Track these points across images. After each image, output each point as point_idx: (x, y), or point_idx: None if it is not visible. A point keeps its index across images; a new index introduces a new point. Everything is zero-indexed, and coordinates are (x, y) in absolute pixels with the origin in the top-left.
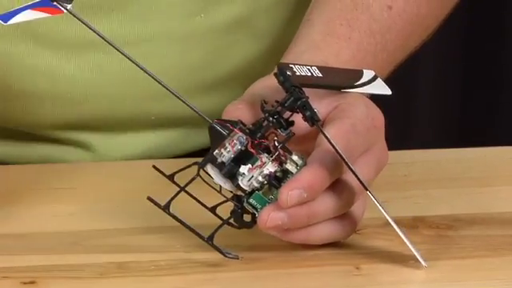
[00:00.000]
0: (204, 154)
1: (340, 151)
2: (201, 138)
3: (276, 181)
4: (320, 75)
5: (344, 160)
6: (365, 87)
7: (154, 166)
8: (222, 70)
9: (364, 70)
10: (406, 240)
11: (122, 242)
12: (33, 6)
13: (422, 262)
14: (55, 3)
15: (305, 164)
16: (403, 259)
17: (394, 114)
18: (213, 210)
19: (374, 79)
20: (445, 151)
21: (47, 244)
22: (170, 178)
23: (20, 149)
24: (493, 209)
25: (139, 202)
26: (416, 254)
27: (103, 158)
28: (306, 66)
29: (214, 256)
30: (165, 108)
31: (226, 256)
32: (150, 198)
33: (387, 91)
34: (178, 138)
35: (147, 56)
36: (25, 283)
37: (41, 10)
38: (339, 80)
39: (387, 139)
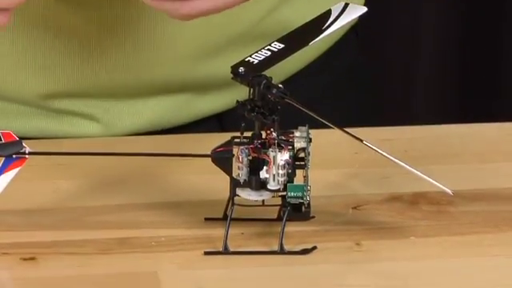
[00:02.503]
0: (210, 121)
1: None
2: (206, 103)
3: (300, 161)
4: (281, 46)
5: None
6: (337, 22)
7: (206, 218)
8: (225, 35)
9: (332, 7)
10: (427, 178)
11: (122, 218)
12: (2, 171)
13: (448, 191)
14: (14, 156)
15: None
16: (404, 235)
17: (395, 92)
18: (278, 219)
19: (344, 8)
20: (445, 127)
21: (48, 220)
22: (224, 218)
23: (21, 123)
24: (493, 185)
25: (140, 178)
26: (440, 186)
27: (108, 127)
28: (265, 47)
29: (215, 232)
30: (169, 74)
31: (306, 253)
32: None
33: (363, 9)
34: (183, 103)
35: (159, 20)
36: (25, 259)
37: (11, 168)
38: (304, 37)
39: (387, 115)
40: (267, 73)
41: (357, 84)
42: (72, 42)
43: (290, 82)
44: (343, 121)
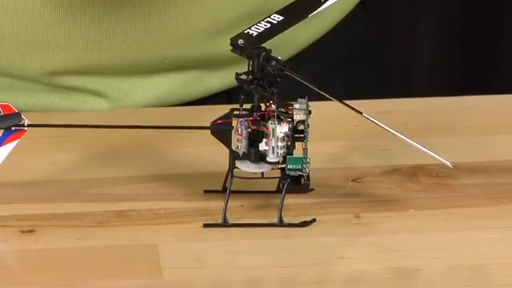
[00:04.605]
0: (219, 97)
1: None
2: (215, 80)
3: (299, 133)
4: (281, 19)
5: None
6: None
7: (205, 191)
8: (235, 12)
9: None
10: (426, 150)
11: (121, 190)
12: (1, 143)
13: (448, 163)
14: (13, 128)
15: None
16: (403, 208)
17: (395, 64)
18: (278, 191)
19: None
20: (445, 99)
21: (46, 193)
22: (223, 191)
23: (29, 99)
24: (493, 157)
25: (139, 151)
26: (439, 158)
27: (117, 104)
28: (264, 19)
29: (214, 204)
30: (179, 51)
31: (305, 225)
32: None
33: None
34: (192, 80)
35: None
36: (24, 232)
37: (10, 141)
38: (304, 9)
39: (388, 88)
40: (267, 45)
41: (364, 58)
42: (79, 19)
43: (299, 56)
44: (350, 95)
